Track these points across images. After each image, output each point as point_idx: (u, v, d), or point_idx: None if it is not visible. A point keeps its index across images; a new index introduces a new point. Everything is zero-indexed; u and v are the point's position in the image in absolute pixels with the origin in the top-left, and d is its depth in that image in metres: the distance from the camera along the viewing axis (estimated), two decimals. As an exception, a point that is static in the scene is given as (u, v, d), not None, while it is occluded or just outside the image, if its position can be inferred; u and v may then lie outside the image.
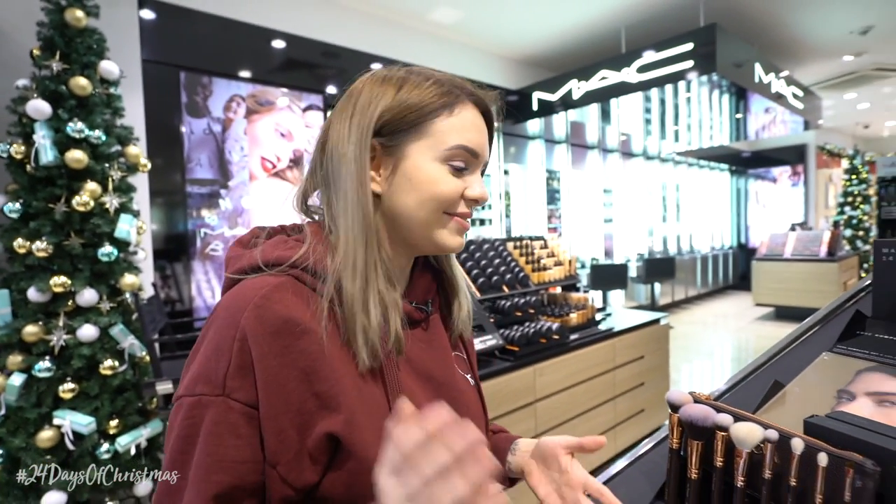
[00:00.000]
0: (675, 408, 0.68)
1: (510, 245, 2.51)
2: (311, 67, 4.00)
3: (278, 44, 3.80)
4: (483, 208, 5.50)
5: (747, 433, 0.57)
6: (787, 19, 5.19)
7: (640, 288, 6.73)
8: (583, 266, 6.20)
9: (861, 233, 7.89)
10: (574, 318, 2.32)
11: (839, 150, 9.38)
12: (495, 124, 0.61)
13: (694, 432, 0.64)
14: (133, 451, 1.95)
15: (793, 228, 6.78)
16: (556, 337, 2.09)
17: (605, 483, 0.81)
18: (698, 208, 8.85)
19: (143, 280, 2.23)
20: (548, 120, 6.08)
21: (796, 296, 5.81)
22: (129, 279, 2.05)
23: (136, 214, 2.14)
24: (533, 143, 6.00)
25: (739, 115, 5.94)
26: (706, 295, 8.54)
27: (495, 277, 2.17)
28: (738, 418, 0.60)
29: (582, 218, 6.60)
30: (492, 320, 2.01)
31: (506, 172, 5.76)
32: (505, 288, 2.18)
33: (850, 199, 8.07)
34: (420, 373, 0.55)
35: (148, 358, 2.06)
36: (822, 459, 0.50)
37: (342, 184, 0.52)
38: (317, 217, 0.59)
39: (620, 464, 0.85)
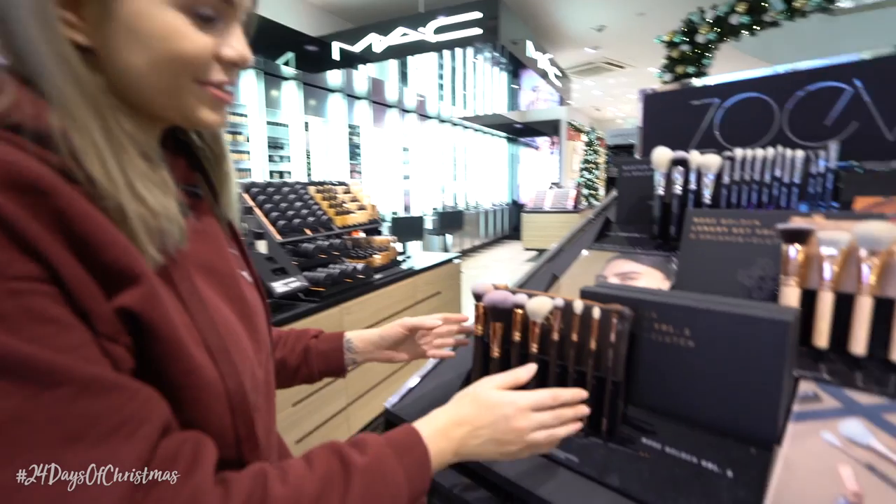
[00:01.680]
0: (479, 297, 0.72)
1: (312, 189, 2.37)
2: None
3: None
4: (283, 159, 5.08)
5: (539, 305, 0.63)
6: (550, 7, 5.96)
7: (434, 239, 7.21)
8: (384, 220, 6.32)
9: (594, 192, 9.87)
10: (378, 259, 2.34)
11: (581, 127, 11.42)
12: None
13: (495, 314, 0.68)
14: None
15: (551, 187, 8.07)
16: (361, 277, 2.07)
17: (415, 386, 0.84)
18: (481, 169, 9.84)
19: None
20: (349, 74, 5.86)
21: (553, 240, 6.98)
22: None
23: None
24: (333, 96, 5.73)
25: (516, 86, 6.67)
26: (488, 244, 9.67)
27: (297, 220, 2.03)
28: (531, 297, 0.66)
29: (382, 173, 6.67)
30: (295, 263, 1.87)
31: (306, 126, 5.40)
32: (308, 231, 2.06)
33: (587, 165, 9.97)
34: (201, 267, 0.45)
35: None
36: (596, 313, 0.58)
37: (17, 25, 0.35)
38: None
39: (428, 366, 0.89)
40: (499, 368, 0.69)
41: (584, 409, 0.53)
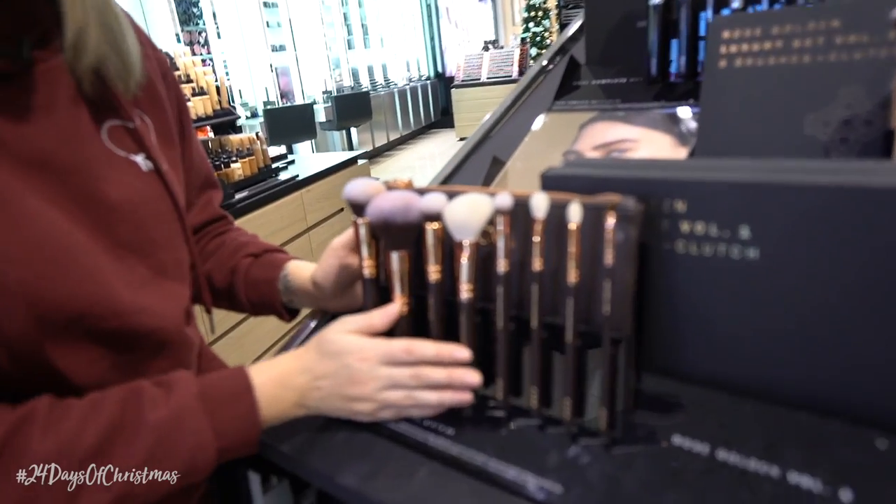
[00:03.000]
0: (360, 208, 0.52)
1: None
2: None
3: None
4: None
5: (469, 209, 0.44)
6: None
7: (333, 136, 6.84)
8: (254, 115, 5.87)
9: (544, 51, 9.67)
10: (238, 169, 2.08)
11: (520, -43, 10.91)
12: None
13: (394, 238, 0.49)
14: None
15: (486, 48, 7.75)
16: (212, 199, 1.81)
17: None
18: (388, 30, 9.25)
19: None
20: None
21: (495, 124, 6.87)
22: None
23: None
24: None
25: None
26: (409, 137, 9.38)
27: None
28: (452, 196, 0.47)
29: (240, 45, 6.09)
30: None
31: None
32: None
33: (532, 13, 9.61)
34: (26, 159, 0.46)
35: None
36: (575, 212, 0.40)
37: None
38: None
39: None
40: (408, 333, 0.52)
41: (473, 378, 0.47)
